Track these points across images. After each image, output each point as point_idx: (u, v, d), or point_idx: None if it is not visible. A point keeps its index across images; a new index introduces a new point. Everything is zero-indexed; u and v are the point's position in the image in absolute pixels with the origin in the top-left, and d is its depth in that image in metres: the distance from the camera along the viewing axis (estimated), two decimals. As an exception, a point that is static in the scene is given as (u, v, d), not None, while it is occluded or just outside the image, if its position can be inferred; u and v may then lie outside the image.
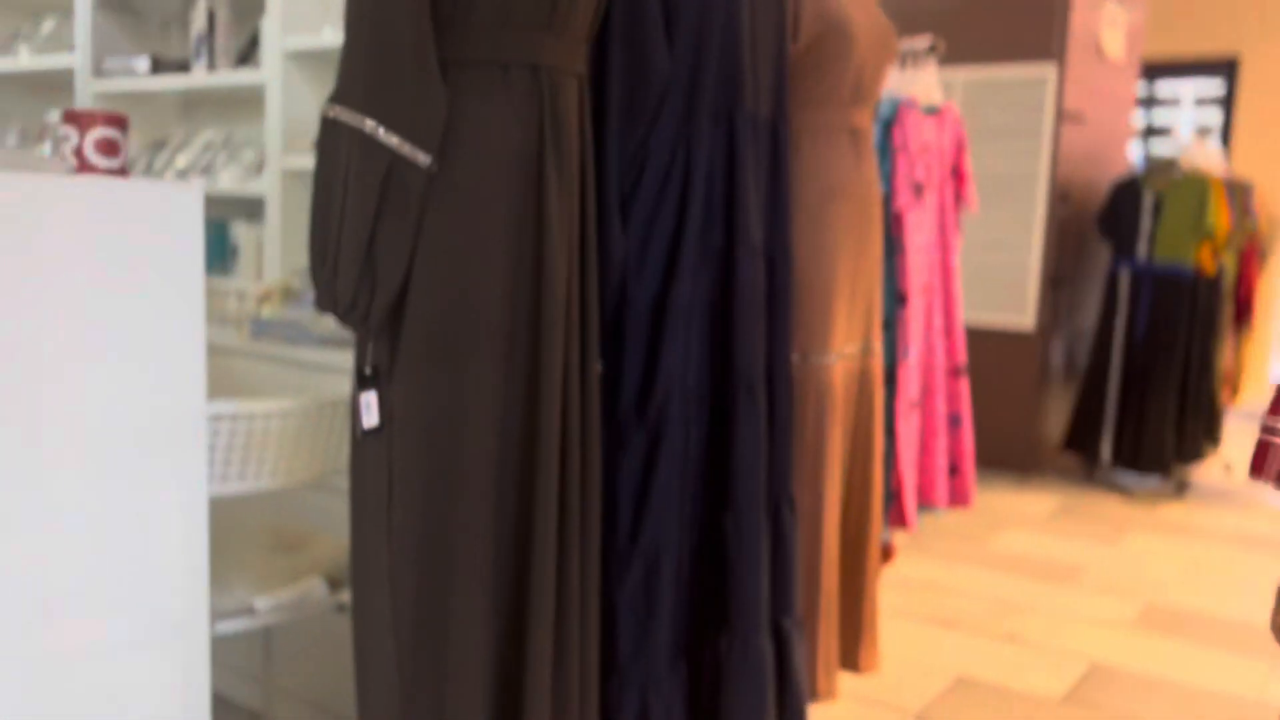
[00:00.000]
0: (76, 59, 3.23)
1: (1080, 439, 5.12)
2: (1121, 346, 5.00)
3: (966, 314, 5.20)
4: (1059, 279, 5.17)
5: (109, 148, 1.43)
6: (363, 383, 1.42)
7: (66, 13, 3.31)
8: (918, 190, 2.60)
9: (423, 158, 1.36)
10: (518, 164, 1.43)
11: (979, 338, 5.16)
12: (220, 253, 2.98)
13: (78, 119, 1.40)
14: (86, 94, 3.21)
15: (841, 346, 2.12)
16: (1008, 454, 5.18)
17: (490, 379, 1.43)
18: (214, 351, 2.49)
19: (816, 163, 2.06)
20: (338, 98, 1.37)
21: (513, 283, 1.44)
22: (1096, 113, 5.34)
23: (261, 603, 1.80)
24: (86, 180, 1.39)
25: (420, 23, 1.34)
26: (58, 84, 3.52)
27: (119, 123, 1.43)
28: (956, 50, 5.06)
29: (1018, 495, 4.89)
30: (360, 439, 1.46)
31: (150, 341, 1.46)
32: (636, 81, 1.68)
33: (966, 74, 5.11)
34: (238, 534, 2.03)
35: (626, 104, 1.69)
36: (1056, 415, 5.41)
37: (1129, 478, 5.27)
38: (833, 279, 2.07)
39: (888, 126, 2.61)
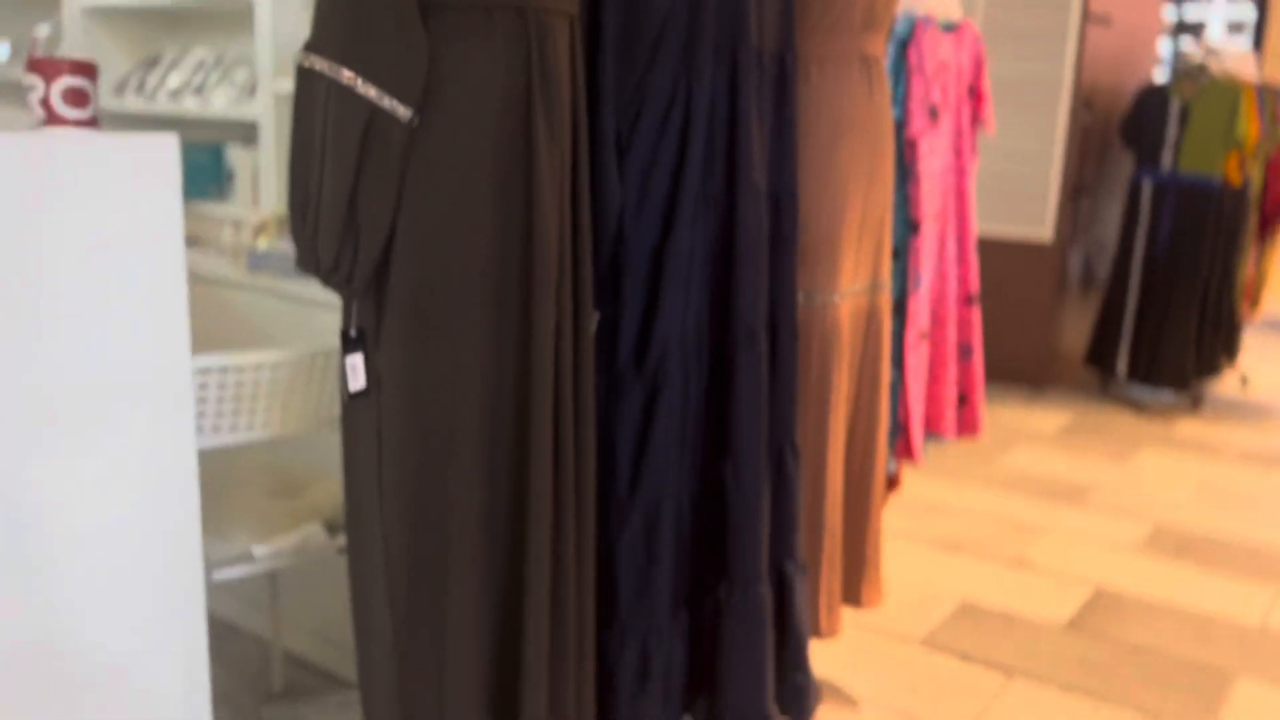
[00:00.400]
0: (62, -29, 3.12)
1: (1100, 353, 5.06)
2: (1141, 259, 4.90)
3: (982, 224, 5.10)
4: (1080, 189, 5.04)
5: (78, 98, 1.36)
6: (348, 345, 1.38)
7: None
8: (933, 113, 2.50)
9: (403, 111, 1.29)
10: (504, 114, 1.36)
11: (994, 249, 5.05)
12: (216, 177, 2.91)
13: (43, 68, 1.34)
14: (76, 7, 3.11)
15: (849, 285, 2.06)
16: (1021, 368, 5.13)
17: (478, 339, 1.39)
18: (211, 284, 2.45)
19: (826, 94, 1.96)
20: (313, 46, 1.29)
21: (501, 239, 1.39)
22: (1124, 12, 5.13)
23: (260, 550, 1.80)
24: (55, 135, 1.34)
25: (398, -34, 1.26)
26: (46, -4, 3.41)
27: (87, 70, 1.37)
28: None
29: (1029, 411, 4.86)
30: (349, 399, 1.43)
31: (130, 296, 1.42)
32: (633, 17, 1.59)
33: (990, -28, 4.90)
34: (237, 478, 2.02)
35: (622, 42, 1.60)
36: (1073, 329, 5.34)
37: (1143, 392, 5.22)
38: (841, 216, 2.00)
39: (903, 46, 2.49)
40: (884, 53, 2.08)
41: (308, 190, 1.32)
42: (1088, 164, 5.10)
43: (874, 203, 2.09)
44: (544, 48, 1.38)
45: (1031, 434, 4.49)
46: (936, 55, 2.52)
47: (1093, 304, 5.38)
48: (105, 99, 3.13)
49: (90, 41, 3.14)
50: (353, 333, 1.39)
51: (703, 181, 1.67)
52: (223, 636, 2.48)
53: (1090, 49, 4.81)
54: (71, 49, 3.15)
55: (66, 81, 1.34)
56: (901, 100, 2.49)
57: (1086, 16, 4.73)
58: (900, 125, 2.49)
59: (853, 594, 2.28)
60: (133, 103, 3.04)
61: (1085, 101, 4.89)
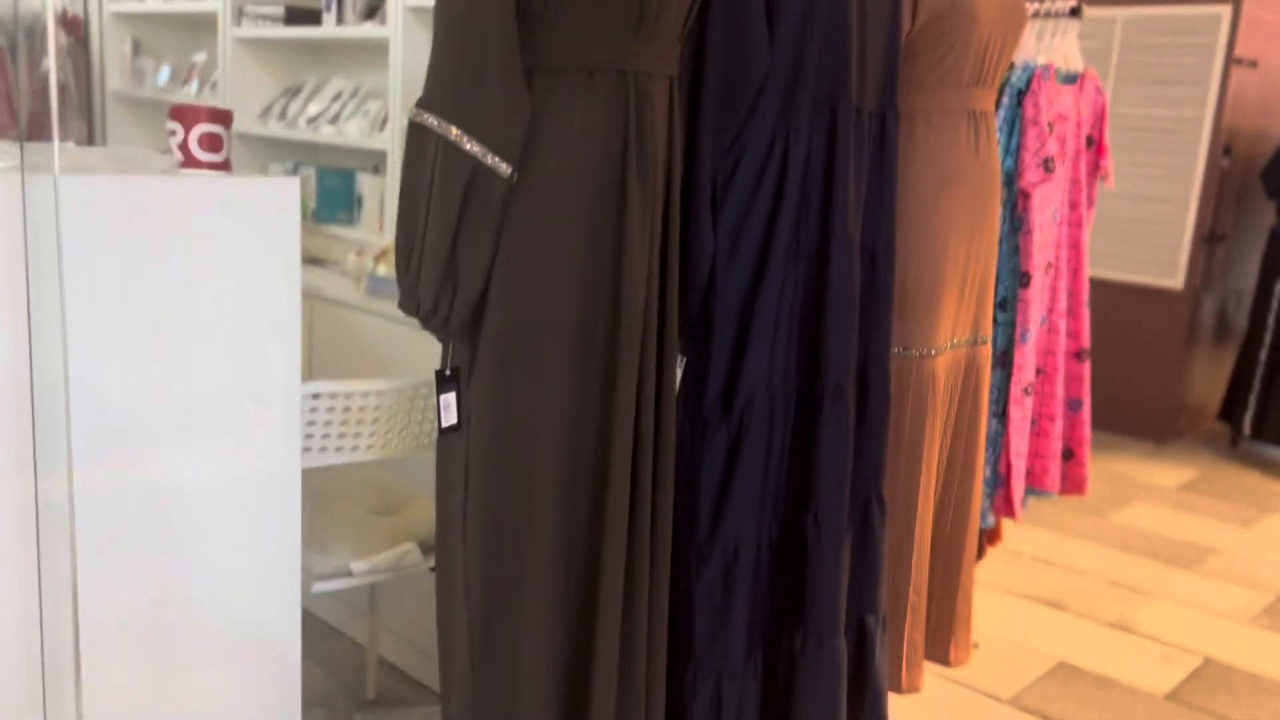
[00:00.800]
0: (220, 4, 3.34)
1: (1231, 408, 4.84)
2: (1277, 312, 4.67)
3: (1110, 269, 4.95)
4: (1215, 236, 4.85)
5: (213, 143, 1.48)
6: (442, 383, 1.46)
7: (211, -44, 3.42)
8: (1047, 165, 2.46)
9: (504, 168, 1.36)
10: (599, 172, 1.42)
11: (1121, 293, 4.91)
12: (347, 203, 3.07)
13: (183, 115, 1.46)
14: (228, 38, 3.33)
15: (947, 339, 2.05)
16: (1145, 419, 4.95)
17: (563, 385, 1.45)
18: (332, 304, 2.59)
19: (931, 148, 1.97)
20: (425, 103, 1.38)
21: (590, 289, 1.45)
22: (1273, 54, 4.92)
23: (358, 566, 1.90)
24: (190, 177, 1.45)
25: (506, 32, 1.33)
26: (204, 24, 3.65)
27: (222, 118, 1.49)
28: (1119, -12, 4.74)
29: (1150, 464, 4.68)
30: (441, 434, 1.51)
31: (251, 324, 1.53)
32: (734, 74, 1.63)
33: (1129, 10, 4.77)
34: (343, 492, 2.13)
35: (723, 96, 1.64)
36: (1204, 380, 5.12)
37: (1277, 451, 4.97)
38: (941, 271, 1.99)
39: (1020, 96, 2.47)
40: (994, 108, 2.07)
41: (413, 237, 1.40)
42: (1224, 210, 4.90)
43: (977, 258, 2.08)
44: (642, 109, 1.44)
45: (1151, 490, 4.33)
46: (1054, 107, 2.49)
47: (1228, 355, 5.16)
48: (250, 124, 3.33)
49: (240, 69, 3.36)
50: (447, 372, 1.47)
51: (795, 234, 1.70)
52: (325, 640, 2.61)
53: (1234, 92, 4.64)
54: (224, 75, 3.37)
55: (203, 128, 1.46)
56: (1016, 151, 2.46)
57: (1231, 59, 4.56)
58: (1013, 176, 2.46)
59: (940, 652, 2.25)
60: (275, 128, 3.23)
61: (1226, 147, 4.71)
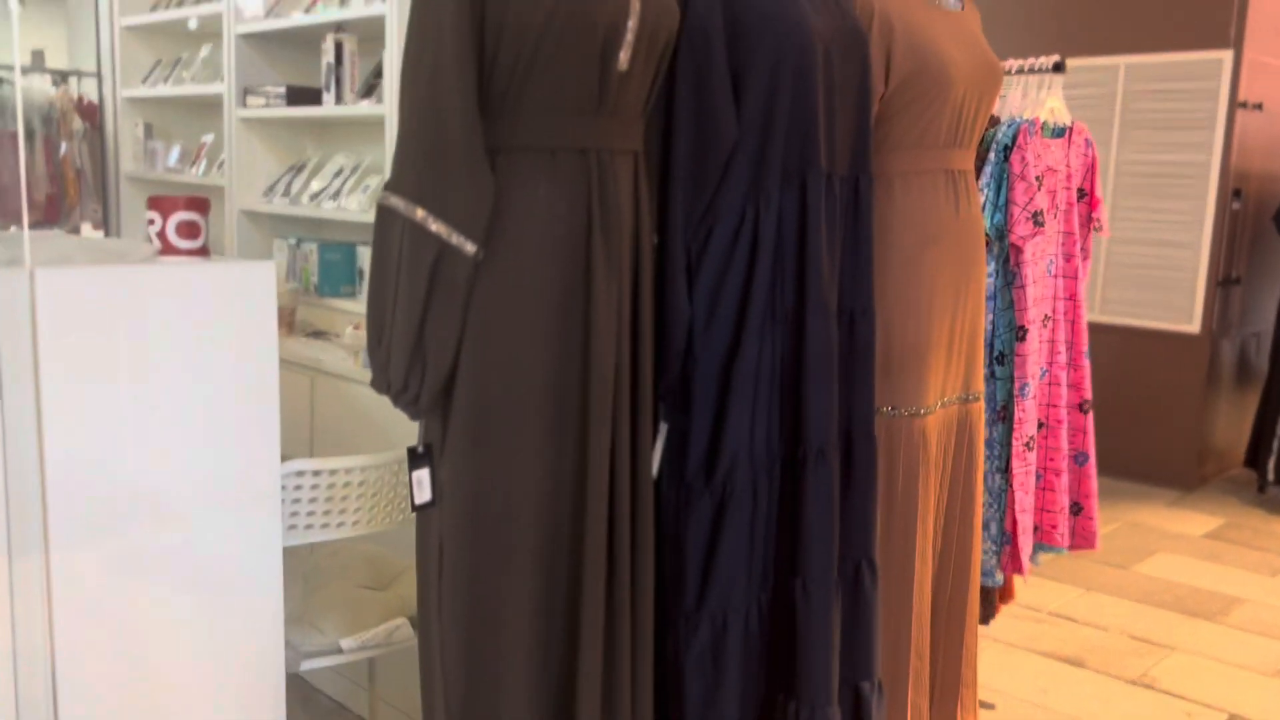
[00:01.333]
0: (225, 87, 3.43)
1: (1255, 454, 4.76)
2: (1296, 355, 4.61)
3: (1125, 316, 4.92)
4: (1229, 279, 4.81)
5: (190, 230, 1.51)
6: (415, 460, 1.47)
7: (220, 40, 3.51)
8: (1036, 219, 2.46)
9: (469, 247, 1.38)
10: (564, 248, 1.43)
11: (1137, 339, 4.86)
12: (349, 276, 3.11)
13: (161, 205, 1.49)
14: (233, 119, 3.40)
15: (937, 398, 2.04)
16: (1168, 467, 4.87)
17: (535, 458, 1.45)
18: (328, 375, 2.62)
19: (909, 208, 1.97)
20: (391, 185, 1.40)
21: (558, 362, 1.45)
22: (1278, 99, 4.91)
23: (348, 643, 1.89)
24: (168, 265, 1.48)
25: (468, 116, 1.36)
26: (211, 105, 3.74)
27: (199, 206, 1.52)
28: (1122, 40, 4.76)
29: (1175, 513, 4.59)
30: (416, 510, 1.51)
31: (228, 406, 1.55)
32: (703, 146, 1.65)
33: (1131, 58, 4.79)
34: (335, 566, 2.13)
35: (693, 168, 1.66)
36: (1227, 426, 5.04)
37: (1306, 496, 4.87)
38: (927, 330, 1.99)
39: (1006, 152, 2.47)
40: (972, 166, 2.08)
41: (382, 316, 1.42)
42: (1238, 253, 4.86)
43: (964, 315, 2.07)
44: (605, 184, 1.46)
45: (1175, 539, 4.25)
46: (1042, 161, 2.49)
47: (1253, 399, 5.08)
48: (255, 201, 3.40)
49: (246, 148, 3.43)
50: (420, 449, 1.47)
51: (770, 300, 1.71)
52: (329, 714, 2.59)
53: (1240, 135, 4.63)
54: (230, 155, 3.45)
55: (180, 216, 1.49)
56: (1004, 206, 2.46)
57: (1235, 103, 4.56)
58: (1003, 231, 2.46)
59: (947, 717, 2.20)
60: (279, 205, 3.29)
61: (1235, 190, 4.69)
